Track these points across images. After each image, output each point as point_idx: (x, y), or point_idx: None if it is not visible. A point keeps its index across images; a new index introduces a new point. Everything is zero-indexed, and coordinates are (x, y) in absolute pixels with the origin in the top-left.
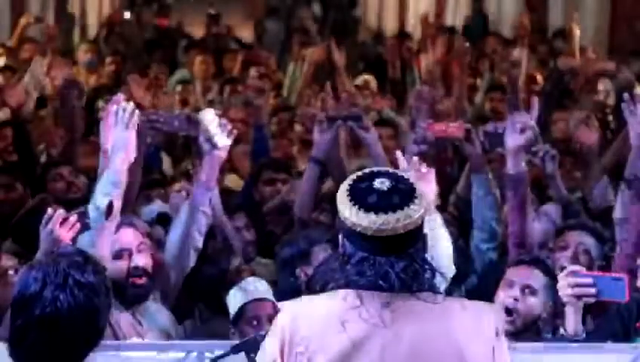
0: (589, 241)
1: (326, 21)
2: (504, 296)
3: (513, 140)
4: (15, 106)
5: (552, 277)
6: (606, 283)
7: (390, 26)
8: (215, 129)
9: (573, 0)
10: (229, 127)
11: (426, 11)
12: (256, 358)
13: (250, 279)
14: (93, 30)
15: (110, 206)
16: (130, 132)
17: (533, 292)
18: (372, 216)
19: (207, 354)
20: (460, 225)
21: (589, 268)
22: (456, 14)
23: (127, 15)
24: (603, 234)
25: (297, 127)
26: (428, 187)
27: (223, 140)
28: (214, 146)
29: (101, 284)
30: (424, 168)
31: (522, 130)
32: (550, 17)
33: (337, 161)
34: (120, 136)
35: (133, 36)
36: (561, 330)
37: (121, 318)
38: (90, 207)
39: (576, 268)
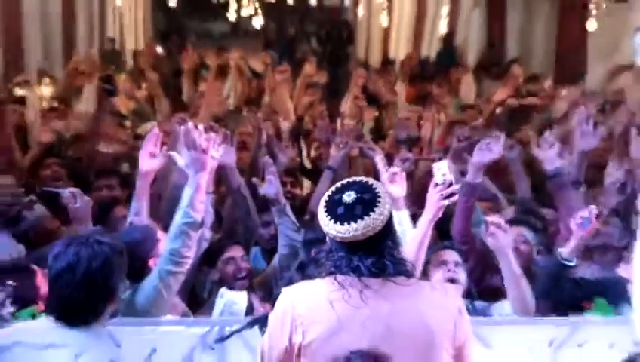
0: (526, 233)
1: (324, 54)
2: (443, 273)
3: (481, 157)
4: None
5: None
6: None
7: (375, 58)
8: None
9: (525, 32)
10: (219, 140)
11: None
12: (264, 333)
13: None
14: (129, 56)
15: (202, 222)
16: (206, 154)
17: (461, 267)
18: (338, 226)
19: (227, 329)
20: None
21: (529, 255)
22: (431, 47)
23: (159, 50)
24: (536, 225)
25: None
26: (398, 186)
27: (215, 153)
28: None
29: (118, 250)
30: (394, 169)
31: (490, 151)
32: (508, 48)
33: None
34: (196, 159)
35: (164, 67)
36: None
37: None
38: (182, 217)
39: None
